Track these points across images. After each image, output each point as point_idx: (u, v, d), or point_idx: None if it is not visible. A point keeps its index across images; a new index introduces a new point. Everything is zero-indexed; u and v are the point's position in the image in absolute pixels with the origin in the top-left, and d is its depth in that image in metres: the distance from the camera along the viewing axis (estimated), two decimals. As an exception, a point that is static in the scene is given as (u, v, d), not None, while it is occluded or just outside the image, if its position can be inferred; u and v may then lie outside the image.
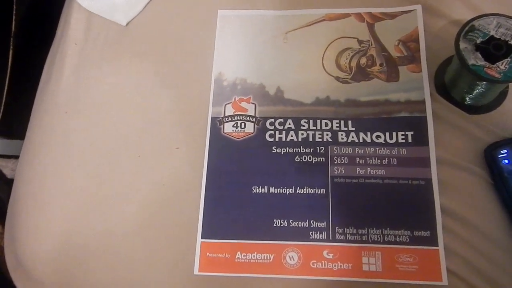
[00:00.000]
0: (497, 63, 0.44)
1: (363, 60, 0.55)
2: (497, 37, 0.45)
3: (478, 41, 0.45)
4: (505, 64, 0.44)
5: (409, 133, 0.51)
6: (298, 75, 0.55)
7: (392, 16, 0.57)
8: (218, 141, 0.53)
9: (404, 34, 0.56)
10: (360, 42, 0.56)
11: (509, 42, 0.44)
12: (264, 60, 0.57)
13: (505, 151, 0.47)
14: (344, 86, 0.54)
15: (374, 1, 0.58)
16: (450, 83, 0.51)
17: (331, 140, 0.51)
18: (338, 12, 0.58)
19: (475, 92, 0.48)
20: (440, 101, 0.52)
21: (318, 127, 0.52)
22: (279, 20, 0.59)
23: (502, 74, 0.43)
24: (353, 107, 0.53)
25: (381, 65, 0.55)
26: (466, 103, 0.50)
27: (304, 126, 0.52)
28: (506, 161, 0.47)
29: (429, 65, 0.54)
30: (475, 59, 0.44)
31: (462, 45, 0.45)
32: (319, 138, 0.52)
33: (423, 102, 0.52)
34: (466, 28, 0.46)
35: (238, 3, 0.60)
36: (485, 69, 0.44)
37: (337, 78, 0.55)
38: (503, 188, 0.46)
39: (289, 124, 0.53)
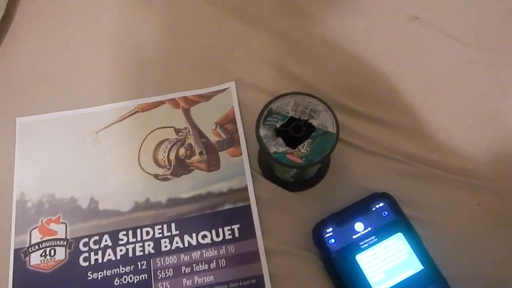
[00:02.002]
0: (299, 147, 0.42)
1: (182, 151, 0.51)
2: (297, 117, 0.43)
3: (278, 124, 0.43)
4: (306, 147, 0.42)
5: (236, 227, 0.47)
6: (113, 179, 0.50)
7: (208, 97, 0.54)
8: (24, 277, 0.45)
9: (221, 116, 0.53)
10: (177, 131, 0.52)
11: (308, 121, 0.43)
12: (74, 169, 0.50)
13: (331, 229, 0.45)
14: (164, 184, 0.49)
15: (188, 84, 0.55)
16: (268, 165, 0.49)
17: (153, 251, 0.46)
18: (151, 101, 0.54)
19: (290, 174, 0.46)
20: (265, 184, 0.49)
21: (139, 238, 0.47)
22: (88, 119, 0.53)
23: (304, 158, 0.41)
24: (176, 207, 0.48)
25: (200, 153, 0.51)
26: (289, 182, 0.48)
27: (122, 239, 0.46)
28: (333, 240, 0.44)
29: (251, 145, 0.51)
30: (276, 146, 0.42)
31: (263, 132, 0.43)
32: (140, 251, 0.46)
33: (246, 189, 0.49)
34: (265, 112, 0.44)
35: (39, 106, 0.54)
36: (287, 155, 0.42)
37: (156, 176, 0.50)
38: (332, 270, 0.43)
39: (106, 240, 0.46)
